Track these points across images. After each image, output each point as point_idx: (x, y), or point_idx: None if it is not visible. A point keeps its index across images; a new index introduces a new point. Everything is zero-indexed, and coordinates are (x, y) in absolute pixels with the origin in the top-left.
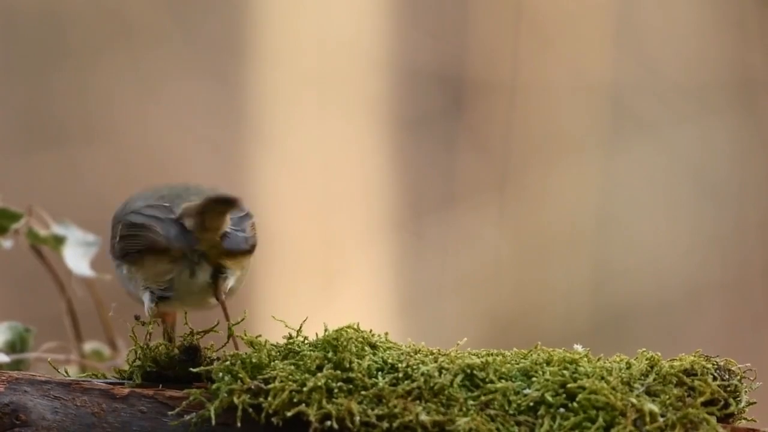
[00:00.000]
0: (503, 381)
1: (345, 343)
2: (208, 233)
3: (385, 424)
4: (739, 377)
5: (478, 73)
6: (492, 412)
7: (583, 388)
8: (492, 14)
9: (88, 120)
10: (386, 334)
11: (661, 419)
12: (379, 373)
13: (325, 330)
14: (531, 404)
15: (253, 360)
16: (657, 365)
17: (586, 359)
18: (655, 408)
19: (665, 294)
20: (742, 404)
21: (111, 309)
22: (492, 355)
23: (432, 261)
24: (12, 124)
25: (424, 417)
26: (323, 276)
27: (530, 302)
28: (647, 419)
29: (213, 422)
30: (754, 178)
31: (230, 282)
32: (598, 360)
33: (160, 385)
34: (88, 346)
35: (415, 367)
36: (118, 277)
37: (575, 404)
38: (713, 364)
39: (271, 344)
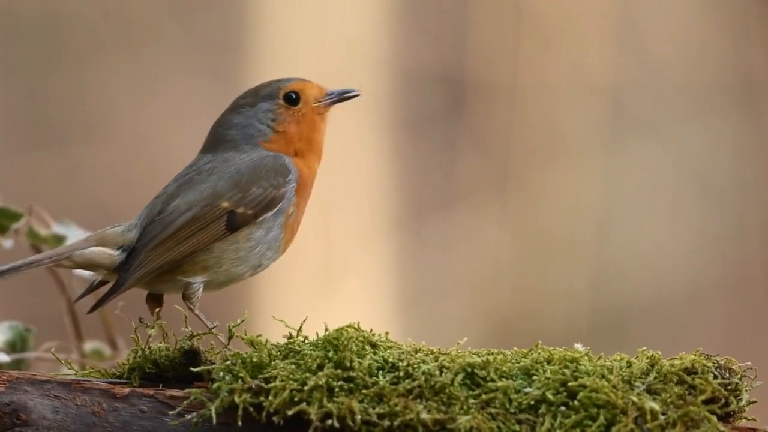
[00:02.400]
0: (504, 379)
1: (345, 343)
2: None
3: (386, 423)
4: (739, 376)
5: (479, 73)
6: (493, 410)
7: (584, 387)
8: (492, 15)
9: (87, 120)
10: (387, 333)
11: (661, 417)
12: (380, 372)
13: (326, 329)
14: (532, 402)
15: (254, 359)
16: (657, 364)
17: (586, 358)
18: (656, 406)
19: (666, 294)
20: (743, 403)
21: (117, 307)
22: (492, 354)
23: (432, 261)
24: (12, 124)
25: (425, 415)
26: (323, 275)
27: (530, 302)
28: (648, 417)
29: (214, 421)
30: (755, 178)
31: (196, 290)
32: (599, 359)
33: (161, 385)
34: (89, 345)
35: (415, 365)
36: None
37: (576, 402)
38: (714, 363)
39: (272, 344)
